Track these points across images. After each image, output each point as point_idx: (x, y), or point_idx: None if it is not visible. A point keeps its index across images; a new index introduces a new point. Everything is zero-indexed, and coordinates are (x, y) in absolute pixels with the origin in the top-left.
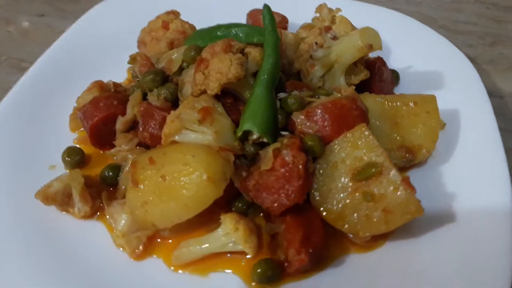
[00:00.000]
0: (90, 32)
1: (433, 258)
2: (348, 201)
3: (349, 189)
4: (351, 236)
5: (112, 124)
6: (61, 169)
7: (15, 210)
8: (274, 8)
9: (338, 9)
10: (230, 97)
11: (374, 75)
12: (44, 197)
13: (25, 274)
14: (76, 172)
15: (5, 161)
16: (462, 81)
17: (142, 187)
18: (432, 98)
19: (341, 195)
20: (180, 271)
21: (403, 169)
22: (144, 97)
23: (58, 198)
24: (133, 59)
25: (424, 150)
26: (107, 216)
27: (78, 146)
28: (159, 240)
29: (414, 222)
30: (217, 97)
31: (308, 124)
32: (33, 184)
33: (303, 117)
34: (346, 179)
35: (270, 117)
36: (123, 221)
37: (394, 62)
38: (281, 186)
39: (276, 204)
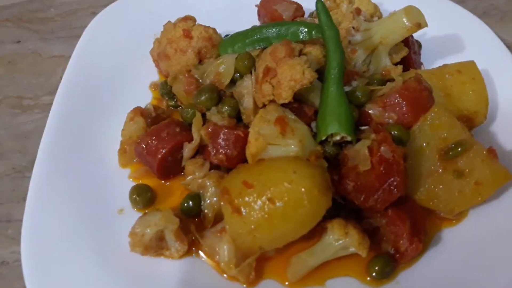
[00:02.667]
0: (94, 54)
1: None
2: (439, 181)
3: (439, 169)
4: (442, 213)
5: (178, 153)
6: (130, 211)
7: (106, 267)
8: None
9: None
10: (295, 102)
11: (409, 49)
12: (144, 248)
13: None
14: (167, 212)
15: (73, 221)
16: (480, 44)
17: (245, 213)
18: (473, 65)
19: (433, 177)
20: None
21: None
22: (202, 117)
23: (153, 244)
24: (174, 79)
25: (481, 116)
26: (206, 249)
27: (142, 183)
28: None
29: None
30: (282, 104)
31: (387, 114)
32: (109, 234)
33: (379, 107)
34: (434, 161)
35: (350, 114)
36: (227, 251)
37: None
38: (383, 183)
39: (380, 201)
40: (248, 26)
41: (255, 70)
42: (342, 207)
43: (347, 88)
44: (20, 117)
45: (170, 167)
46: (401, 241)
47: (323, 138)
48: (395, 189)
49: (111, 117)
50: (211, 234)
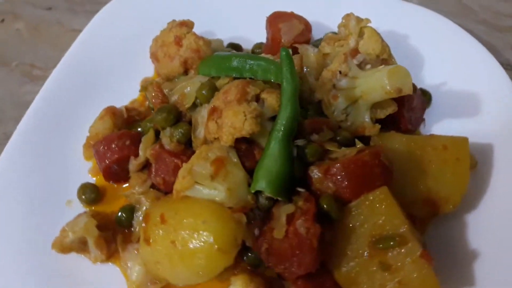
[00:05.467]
0: (99, 39)
1: None
2: (363, 268)
3: (365, 255)
4: None
5: (125, 164)
6: (78, 205)
7: (31, 251)
8: (297, 11)
9: (367, 20)
10: (243, 142)
11: (402, 105)
12: (60, 248)
13: None
14: (89, 221)
15: (21, 197)
16: (501, 106)
17: (152, 245)
18: (464, 142)
19: (356, 260)
20: None
21: (424, 220)
22: (157, 134)
23: (75, 246)
24: (144, 88)
25: (450, 205)
26: (122, 262)
27: (91, 183)
28: None
29: None
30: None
31: (326, 182)
32: (50, 223)
33: (320, 174)
34: (363, 245)
35: (284, 173)
36: (137, 272)
37: (425, 77)
38: (293, 255)
39: (287, 272)
40: (257, 36)
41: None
42: None
43: (300, 142)
44: (27, 86)
45: (117, 174)
46: None
47: (253, 191)
48: (305, 265)
49: (97, 108)
50: (133, 249)
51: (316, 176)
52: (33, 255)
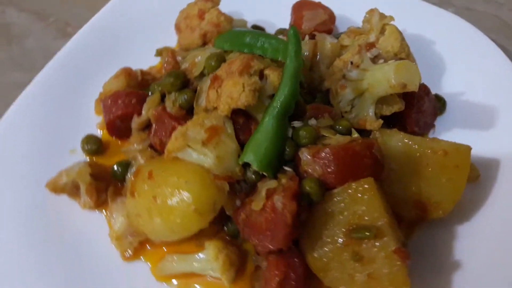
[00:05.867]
0: (130, 7)
1: None
2: (335, 254)
3: (340, 242)
4: None
5: (129, 121)
6: (81, 154)
7: (28, 189)
8: (326, 2)
9: (391, 18)
10: (242, 116)
11: (411, 106)
12: (53, 188)
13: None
14: (84, 168)
15: (29, 140)
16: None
17: (137, 198)
18: (466, 151)
19: (330, 246)
20: (162, 282)
21: (413, 223)
22: (163, 98)
23: (67, 189)
24: (159, 53)
25: (439, 211)
26: (108, 211)
27: (96, 135)
28: (148, 247)
29: None
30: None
31: (313, 165)
32: (52, 166)
33: (309, 157)
34: (339, 232)
35: (274, 150)
36: (120, 223)
37: (445, 84)
38: (267, 229)
39: (260, 245)
40: (282, 22)
41: None
42: None
43: (297, 123)
44: (59, 41)
45: (120, 130)
46: None
47: (240, 163)
48: (277, 241)
49: (116, 69)
50: (121, 202)
51: (304, 158)
52: (29, 193)
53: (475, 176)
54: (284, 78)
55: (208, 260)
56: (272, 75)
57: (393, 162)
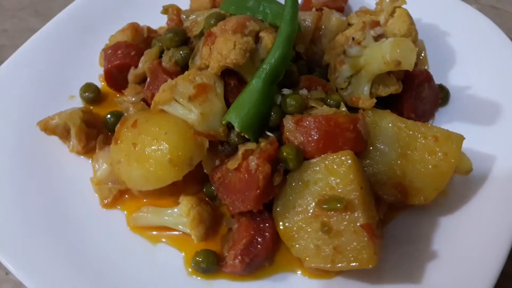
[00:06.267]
0: None
1: None
2: (305, 224)
3: (311, 212)
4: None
5: (127, 73)
6: (79, 101)
7: (22, 128)
8: None
9: (403, 1)
10: (234, 78)
11: (410, 90)
12: (44, 127)
13: None
14: (76, 112)
15: (32, 82)
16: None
17: (119, 144)
18: (458, 140)
19: (301, 216)
20: (135, 232)
21: (395, 206)
22: (162, 53)
23: (58, 131)
24: (165, 10)
25: (421, 197)
26: (94, 157)
27: (95, 84)
28: (126, 196)
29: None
30: (222, 75)
31: (294, 132)
32: (50, 109)
33: (292, 123)
34: (312, 202)
35: (257, 113)
36: (103, 170)
37: (453, 76)
38: (240, 189)
39: (232, 205)
40: None
41: None
42: None
43: (286, 91)
44: None
45: (118, 80)
46: (231, 251)
47: (223, 122)
48: (248, 201)
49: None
50: (108, 150)
51: (287, 125)
52: (22, 131)
53: (467, 169)
54: (277, 41)
55: (180, 214)
56: (266, 38)
57: (381, 142)
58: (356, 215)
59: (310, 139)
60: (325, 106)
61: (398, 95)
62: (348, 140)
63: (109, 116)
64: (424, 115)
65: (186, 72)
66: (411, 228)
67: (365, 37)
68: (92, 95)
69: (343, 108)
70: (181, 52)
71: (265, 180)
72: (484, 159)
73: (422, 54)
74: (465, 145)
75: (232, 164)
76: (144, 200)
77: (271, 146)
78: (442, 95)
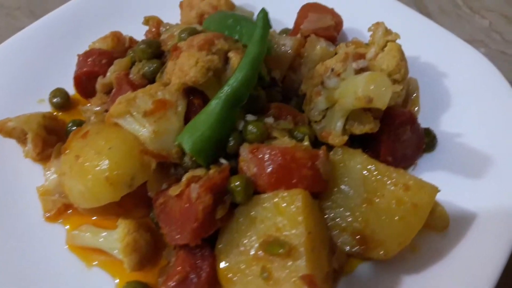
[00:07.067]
0: None
1: None
2: (246, 267)
3: (253, 254)
4: None
5: (95, 81)
6: (47, 106)
7: None
8: (338, 8)
9: (397, 35)
10: (199, 98)
11: (388, 131)
12: (0, 128)
13: None
14: (35, 116)
15: (4, 82)
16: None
17: (65, 155)
18: (432, 191)
19: (243, 257)
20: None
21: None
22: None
23: (15, 134)
24: (146, 21)
25: (381, 250)
26: (49, 165)
27: (65, 90)
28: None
29: None
30: (187, 93)
31: (249, 163)
32: (17, 111)
33: (247, 152)
34: (255, 243)
35: (212, 137)
36: (51, 180)
37: (446, 122)
38: (179, 219)
39: (168, 236)
40: (291, 21)
41: None
42: None
43: (251, 117)
44: None
45: (88, 88)
46: (162, 287)
47: (175, 143)
48: (185, 234)
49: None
50: None
51: (243, 154)
52: None
53: (443, 225)
54: (241, 63)
55: (116, 239)
56: (234, 58)
57: (346, 184)
58: (299, 263)
59: (263, 171)
60: (286, 137)
61: (376, 135)
62: (304, 178)
63: (70, 124)
64: (404, 160)
65: (148, 86)
66: (369, 284)
67: (345, 69)
68: (61, 101)
69: (306, 142)
70: (150, 65)
71: (204, 212)
72: (464, 216)
73: (414, 94)
74: (446, 198)
75: (174, 190)
76: (94, 218)
77: (219, 174)
78: (427, 140)
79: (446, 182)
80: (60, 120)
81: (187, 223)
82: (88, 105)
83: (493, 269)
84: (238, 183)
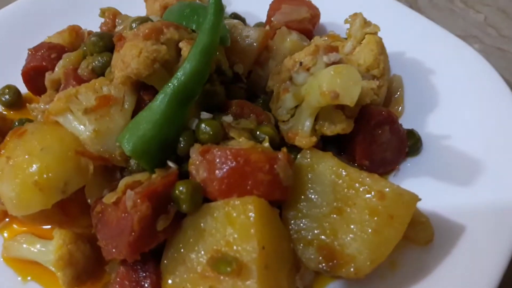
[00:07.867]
0: None
1: None
2: (191, 286)
3: (200, 272)
4: None
5: (44, 76)
6: None
7: None
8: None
9: (376, 27)
10: (151, 94)
11: (364, 132)
12: None
13: None
14: None
15: None
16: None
17: (0, 157)
18: (411, 200)
19: (190, 274)
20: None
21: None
22: None
23: None
24: (102, 13)
25: (351, 268)
26: None
27: (17, 87)
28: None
29: None
30: (137, 88)
31: (198, 166)
32: None
33: (197, 154)
34: (203, 258)
35: (157, 137)
36: None
37: (433, 123)
38: (115, 230)
39: (105, 249)
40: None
41: None
42: None
43: (206, 115)
44: None
45: (37, 85)
46: None
47: (117, 144)
48: (121, 248)
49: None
50: None
51: (193, 156)
52: None
53: (427, 239)
54: (191, 53)
55: (49, 250)
56: (185, 49)
57: (313, 191)
58: (249, 284)
59: (213, 176)
60: (243, 138)
61: (352, 136)
62: (260, 184)
63: (16, 123)
64: (384, 164)
65: (93, 80)
66: None
67: (315, 63)
68: (11, 98)
69: (266, 144)
70: (99, 58)
71: (141, 223)
72: (451, 228)
73: (398, 93)
74: (431, 207)
75: (109, 197)
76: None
77: (162, 180)
78: (411, 143)
79: (431, 190)
80: (8, 119)
81: (123, 236)
82: (37, 103)
83: None
84: (183, 189)
